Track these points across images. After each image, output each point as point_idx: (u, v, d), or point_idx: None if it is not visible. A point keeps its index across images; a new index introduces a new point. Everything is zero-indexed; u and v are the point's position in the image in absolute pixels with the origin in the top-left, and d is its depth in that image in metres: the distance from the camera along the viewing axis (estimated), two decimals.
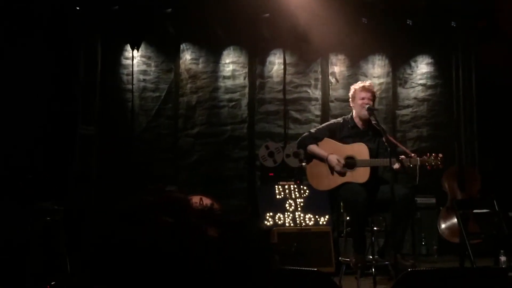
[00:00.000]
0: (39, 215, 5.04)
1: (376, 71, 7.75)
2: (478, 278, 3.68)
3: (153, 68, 7.25)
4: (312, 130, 5.07)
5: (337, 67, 7.69)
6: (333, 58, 7.68)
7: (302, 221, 6.00)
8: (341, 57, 7.70)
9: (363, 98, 4.87)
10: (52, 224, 5.11)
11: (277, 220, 6.00)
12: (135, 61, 7.09)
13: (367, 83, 5.03)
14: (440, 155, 4.64)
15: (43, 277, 4.38)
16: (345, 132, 4.94)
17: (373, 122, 4.88)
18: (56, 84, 6.43)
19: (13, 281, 4.32)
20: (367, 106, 4.81)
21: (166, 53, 7.30)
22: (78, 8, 6.60)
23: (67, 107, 6.60)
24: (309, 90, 7.58)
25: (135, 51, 7.06)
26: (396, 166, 4.53)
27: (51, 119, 6.34)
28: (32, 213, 5.06)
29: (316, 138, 4.92)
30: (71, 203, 5.97)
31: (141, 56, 7.19)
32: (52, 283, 4.07)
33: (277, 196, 6.12)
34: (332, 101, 7.58)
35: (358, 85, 5.01)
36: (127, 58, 7.13)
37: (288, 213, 6.04)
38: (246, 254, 0.82)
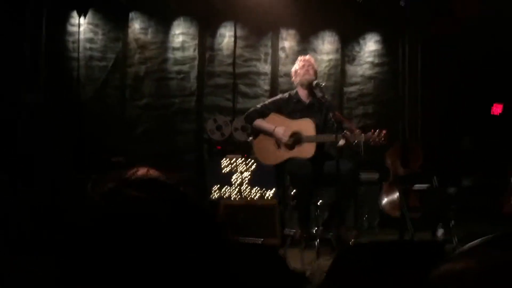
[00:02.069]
0: None
1: (326, 48, 7.80)
2: (416, 251, 3.83)
3: (100, 37, 7.07)
4: (259, 106, 5.11)
5: (287, 41, 7.71)
6: (283, 33, 7.69)
7: (248, 195, 6.06)
8: (291, 32, 7.71)
9: (303, 66, 4.97)
10: None
11: (223, 193, 6.04)
12: (81, 28, 6.89)
13: (306, 56, 5.20)
14: (384, 131, 4.70)
15: None
16: (291, 107, 5.00)
17: (319, 95, 4.95)
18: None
19: None
20: (313, 77, 4.89)
21: (114, 21, 7.13)
22: None
23: (11, 74, 6.41)
24: (258, 64, 7.58)
25: (82, 18, 6.87)
26: (341, 142, 4.61)
27: None
28: None
29: (262, 113, 4.97)
30: (15, 173, 5.85)
31: (88, 23, 6.99)
32: None
33: (224, 170, 6.14)
34: (281, 76, 7.61)
35: (298, 60, 5.12)
36: (73, 25, 6.91)
37: (235, 187, 6.09)
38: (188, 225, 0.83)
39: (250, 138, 5.12)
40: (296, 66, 5.07)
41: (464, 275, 0.93)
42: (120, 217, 0.84)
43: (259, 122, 4.94)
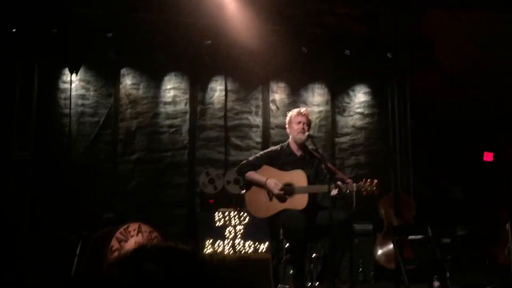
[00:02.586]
0: None
1: (316, 99, 7.89)
2: None
3: (92, 93, 7.13)
4: (251, 158, 5.11)
5: (278, 94, 7.80)
6: (274, 86, 7.78)
7: (241, 249, 6.00)
8: (281, 85, 7.81)
9: (299, 122, 4.98)
10: None
11: (216, 248, 5.98)
12: (73, 85, 6.96)
13: (303, 109, 5.15)
14: (376, 180, 4.73)
15: None
16: (283, 159, 5.01)
17: (310, 147, 4.98)
18: None
19: None
20: (306, 133, 4.91)
21: (106, 77, 7.20)
22: (14, 30, 6.46)
23: (1, 132, 6.43)
24: (250, 117, 7.64)
25: (74, 75, 6.94)
26: (334, 192, 4.61)
27: None
28: None
29: (254, 166, 4.97)
30: (5, 231, 5.79)
31: (80, 80, 7.06)
32: None
33: (217, 223, 6.10)
34: (272, 128, 7.66)
35: (294, 111, 5.12)
36: (65, 82, 6.98)
37: (228, 240, 6.03)
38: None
39: (243, 191, 5.10)
40: (292, 118, 5.06)
41: None
42: None
43: (251, 174, 4.94)
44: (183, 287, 0.80)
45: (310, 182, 4.85)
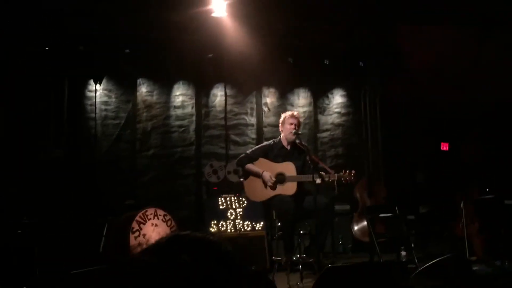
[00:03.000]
0: (13, 229, 4.84)
1: (301, 102, 7.90)
2: (384, 270, 3.80)
3: (113, 99, 7.11)
4: (248, 152, 5.12)
5: (269, 98, 7.79)
6: (265, 91, 7.77)
7: (241, 227, 6.01)
8: (272, 90, 7.80)
9: (291, 124, 4.99)
10: (24, 236, 4.92)
11: (220, 227, 5.99)
12: (97, 93, 6.95)
13: (295, 112, 5.16)
14: (353, 171, 4.76)
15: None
16: (275, 152, 5.02)
17: (298, 142, 5.00)
18: (30, 114, 6.27)
19: None
20: (293, 131, 4.93)
21: (125, 86, 7.18)
22: (47, 48, 6.44)
23: (39, 134, 6.43)
24: (246, 118, 7.64)
25: (98, 85, 6.93)
26: (318, 181, 4.63)
27: (24, 144, 6.15)
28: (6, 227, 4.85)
29: (252, 158, 4.98)
30: (42, 217, 5.77)
31: (103, 89, 7.05)
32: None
33: (220, 207, 6.10)
34: (265, 126, 7.66)
35: (288, 113, 5.13)
36: (90, 91, 6.97)
37: (230, 221, 6.04)
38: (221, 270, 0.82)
39: (241, 179, 5.11)
40: (286, 119, 5.05)
41: None
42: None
43: (250, 166, 4.96)
44: (211, 274, 0.80)
45: (298, 172, 4.87)
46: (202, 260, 0.80)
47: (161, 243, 0.83)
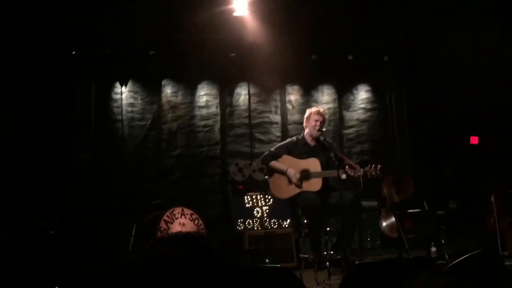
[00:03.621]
0: (40, 229, 4.94)
1: (325, 98, 7.82)
2: (413, 266, 3.72)
3: (139, 101, 7.18)
4: (272, 149, 5.08)
5: (293, 95, 7.74)
6: (289, 88, 7.73)
7: (268, 225, 5.99)
8: (296, 87, 7.75)
9: (316, 120, 4.93)
10: (56, 237, 5.01)
11: (247, 225, 5.98)
12: (123, 95, 7.03)
13: (321, 109, 5.09)
14: (379, 166, 4.68)
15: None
16: (299, 149, 4.97)
17: (322, 139, 4.94)
18: (57, 118, 6.39)
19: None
20: (318, 127, 4.87)
21: (150, 88, 7.23)
22: (74, 52, 6.55)
23: (67, 138, 6.54)
24: (270, 116, 7.61)
25: (124, 87, 7.01)
26: (344, 176, 4.57)
27: (53, 147, 6.26)
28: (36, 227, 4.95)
29: (276, 156, 4.94)
30: (71, 219, 5.87)
31: (129, 91, 7.12)
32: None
33: (247, 205, 6.10)
34: (290, 124, 7.62)
35: (313, 109, 5.07)
36: (116, 93, 7.05)
37: (256, 219, 6.03)
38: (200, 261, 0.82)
39: (266, 177, 5.09)
40: (311, 115, 4.98)
41: None
42: (157, 271, 0.82)
43: (274, 164, 4.92)
44: (193, 265, 0.82)
45: (323, 168, 4.81)
46: (183, 253, 0.83)
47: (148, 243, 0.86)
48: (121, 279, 0.79)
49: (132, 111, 7.12)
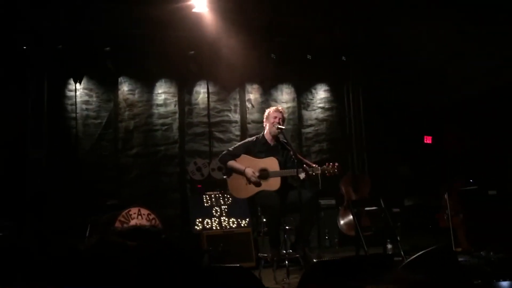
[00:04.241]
0: None
1: (284, 97, 7.84)
2: (370, 263, 3.75)
3: (94, 99, 6.96)
4: (230, 148, 5.01)
5: (252, 94, 7.72)
6: (248, 87, 7.71)
7: (227, 225, 5.93)
8: (255, 86, 7.74)
9: (275, 117, 4.91)
10: (5, 239, 4.77)
11: (205, 225, 5.90)
12: (78, 93, 6.80)
13: (279, 107, 5.08)
14: (337, 164, 4.69)
15: None
16: (258, 148, 4.93)
17: (282, 139, 4.92)
18: (8, 114, 6.11)
19: None
20: (277, 124, 4.85)
21: (106, 85, 7.03)
22: (25, 47, 6.28)
23: (17, 135, 6.26)
24: (229, 114, 7.55)
25: (78, 84, 6.78)
26: (302, 175, 4.56)
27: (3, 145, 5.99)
28: None
29: (234, 155, 4.88)
30: (23, 219, 5.63)
31: (84, 88, 6.89)
32: None
33: (205, 204, 6.02)
34: (249, 123, 7.59)
35: (272, 108, 5.05)
36: (70, 90, 6.81)
37: (215, 218, 5.96)
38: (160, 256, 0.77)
39: (225, 176, 5.02)
40: (270, 113, 4.96)
41: None
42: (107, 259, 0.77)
43: (232, 163, 4.86)
44: (151, 255, 0.78)
45: (281, 167, 4.79)
46: (142, 244, 0.79)
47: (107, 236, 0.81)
48: (72, 268, 0.74)
49: (87, 109, 6.90)
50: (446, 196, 5.56)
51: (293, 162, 4.62)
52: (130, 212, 5.18)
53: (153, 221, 5.34)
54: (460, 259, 4.46)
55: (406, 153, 7.71)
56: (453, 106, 7.05)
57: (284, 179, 4.77)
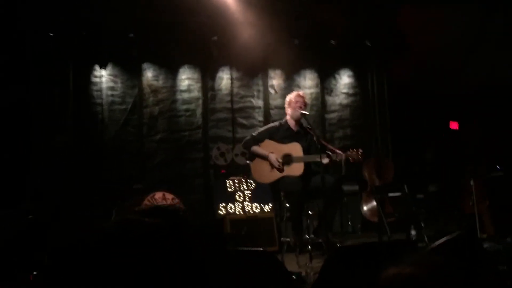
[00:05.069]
0: (23, 214, 4.84)
1: (307, 83, 7.81)
2: (393, 250, 3.75)
3: (119, 85, 7.06)
4: (254, 134, 5.04)
5: (275, 80, 7.70)
6: (271, 73, 7.69)
7: (250, 209, 5.99)
8: (278, 72, 7.71)
9: (297, 101, 4.92)
10: (35, 222, 4.91)
11: (229, 209, 5.96)
12: (103, 79, 6.90)
13: (301, 92, 5.10)
14: (360, 150, 4.69)
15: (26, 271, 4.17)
16: (281, 134, 4.95)
17: (305, 125, 4.92)
18: (35, 100, 6.24)
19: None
20: (299, 109, 4.85)
21: (130, 71, 7.10)
22: (51, 34, 6.38)
23: (44, 119, 6.40)
24: (252, 100, 7.57)
25: (103, 70, 6.88)
26: (326, 161, 4.57)
27: (32, 131, 6.14)
28: (17, 212, 4.85)
29: (258, 140, 4.91)
30: (51, 201, 5.78)
31: (109, 74, 6.99)
32: (34, 273, 3.89)
33: (228, 189, 6.08)
34: (272, 109, 7.59)
35: (293, 93, 5.07)
36: (96, 77, 6.91)
37: (238, 203, 6.01)
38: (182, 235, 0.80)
39: (248, 162, 5.06)
40: (292, 99, 4.98)
41: (409, 280, 0.88)
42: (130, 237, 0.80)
43: (255, 148, 4.89)
44: (170, 231, 0.81)
45: (305, 152, 4.80)
46: (162, 221, 0.83)
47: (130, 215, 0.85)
48: (98, 245, 0.77)
49: (112, 95, 7.00)
50: (471, 182, 5.50)
51: (316, 147, 4.62)
52: (155, 197, 5.27)
53: (178, 206, 5.42)
54: (485, 245, 4.43)
55: (432, 139, 7.62)
56: (480, 92, 6.91)
57: (307, 165, 4.79)
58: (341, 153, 4.64)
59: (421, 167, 7.39)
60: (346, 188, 6.82)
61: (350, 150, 4.68)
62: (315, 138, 4.68)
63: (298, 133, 4.96)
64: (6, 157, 5.71)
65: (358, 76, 7.98)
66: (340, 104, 7.90)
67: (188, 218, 0.85)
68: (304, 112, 4.83)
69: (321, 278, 3.69)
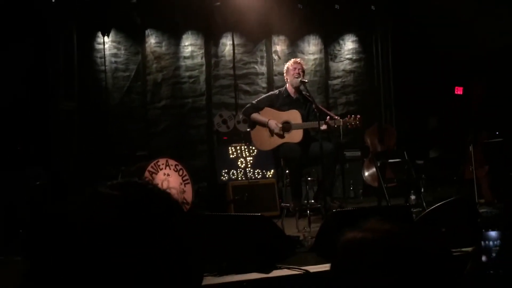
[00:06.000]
0: (29, 179, 4.99)
1: (311, 49, 7.78)
2: (388, 214, 3.85)
3: (122, 51, 7.08)
4: (254, 101, 5.10)
5: (279, 46, 7.68)
6: (275, 39, 7.66)
7: (252, 175, 6.10)
8: (282, 37, 7.68)
9: (295, 68, 4.96)
10: (41, 187, 5.06)
11: (231, 175, 6.08)
12: (106, 46, 6.91)
13: (298, 59, 5.13)
14: (358, 116, 4.73)
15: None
16: (281, 101, 5.00)
17: (304, 92, 4.97)
18: (39, 68, 6.30)
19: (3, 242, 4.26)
20: (299, 79, 4.89)
21: (133, 38, 7.11)
22: (53, 0, 6.39)
23: (49, 87, 6.47)
24: (256, 66, 7.57)
25: (106, 37, 6.90)
26: (324, 127, 4.63)
27: (36, 98, 6.22)
28: (22, 177, 4.99)
29: (257, 108, 4.97)
30: (56, 168, 5.92)
31: (112, 41, 7.00)
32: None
33: (231, 156, 6.18)
34: (275, 75, 7.59)
35: (291, 60, 5.10)
36: (99, 43, 6.93)
37: (240, 170, 6.12)
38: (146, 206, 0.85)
39: (248, 129, 5.13)
40: (289, 66, 5.02)
41: (360, 245, 0.96)
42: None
43: (255, 116, 4.96)
44: (136, 205, 0.85)
45: (304, 119, 4.86)
46: (126, 194, 0.85)
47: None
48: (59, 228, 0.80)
49: (115, 62, 7.03)
50: (471, 148, 5.54)
51: (315, 115, 4.68)
52: (159, 163, 5.39)
53: (180, 172, 5.54)
54: (481, 210, 4.51)
55: (436, 104, 7.61)
56: (483, 57, 6.85)
57: (306, 132, 4.85)
58: (339, 119, 4.69)
59: (423, 134, 7.43)
60: (348, 154, 6.91)
61: (348, 116, 4.72)
62: (314, 106, 4.73)
63: (297, 100, 5.01)
64: (20, 123, 5.81)
65: (362, 42, 7.93)
66: (344, 70, 7.89)
67: (157, 189, 0.89)
68: (303, 80, 4.86)
69: (317, 241, 3.82)
